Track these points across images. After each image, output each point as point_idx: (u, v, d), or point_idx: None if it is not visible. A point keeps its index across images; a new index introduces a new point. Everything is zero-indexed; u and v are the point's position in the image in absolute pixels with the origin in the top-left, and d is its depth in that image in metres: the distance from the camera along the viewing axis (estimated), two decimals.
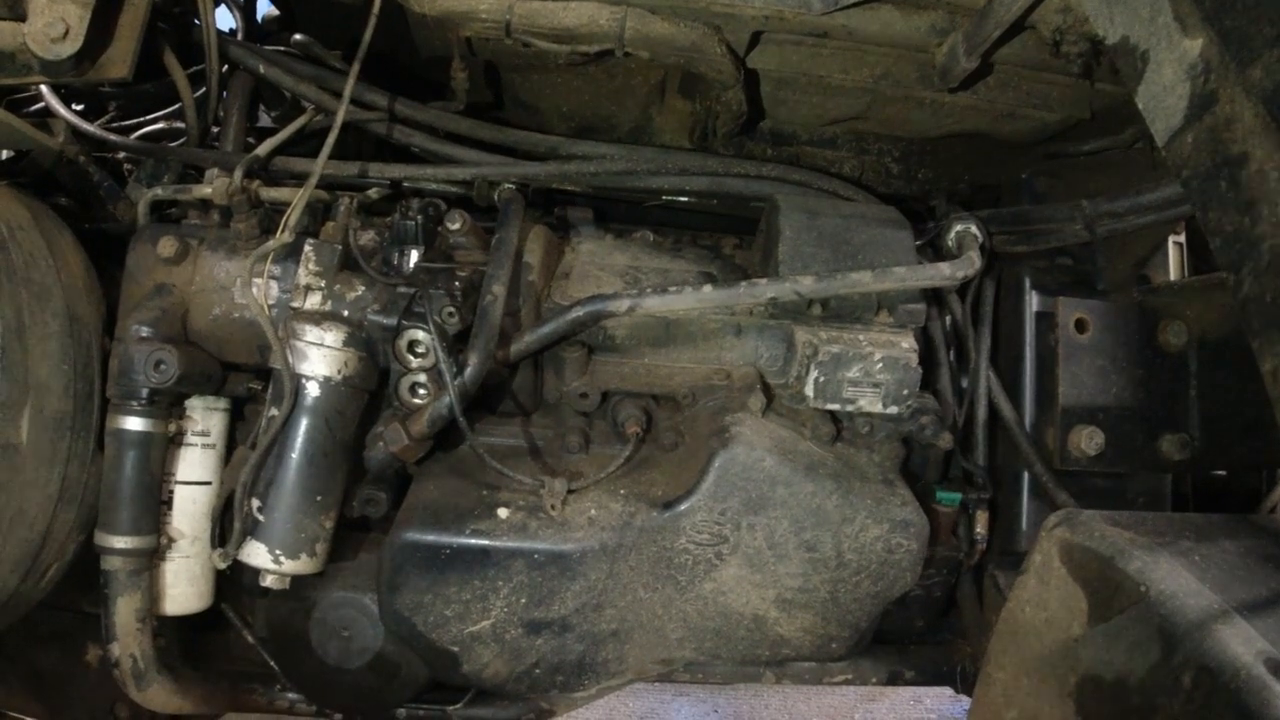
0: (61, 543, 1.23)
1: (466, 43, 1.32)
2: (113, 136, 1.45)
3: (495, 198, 1.42)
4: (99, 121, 1.61)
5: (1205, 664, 0.82)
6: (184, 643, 1.47)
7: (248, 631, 1.43)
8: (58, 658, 1.57)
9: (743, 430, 1.20)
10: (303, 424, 1.15)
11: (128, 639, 1.23)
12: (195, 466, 1.28)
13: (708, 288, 1.22)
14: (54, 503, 1.19)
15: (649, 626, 1.24)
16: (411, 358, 1.20)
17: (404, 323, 1.17)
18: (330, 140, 1.23)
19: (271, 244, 1.16)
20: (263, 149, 1.34)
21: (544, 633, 1.19)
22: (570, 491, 1.17)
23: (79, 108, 1.68)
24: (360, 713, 1.41)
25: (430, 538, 1.14)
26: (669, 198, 1.55)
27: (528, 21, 1.24)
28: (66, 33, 1.17)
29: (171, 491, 1.26)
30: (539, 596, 1.16)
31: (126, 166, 1.54)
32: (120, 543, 1.20)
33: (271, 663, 1.38)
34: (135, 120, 1.67)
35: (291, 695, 1.42)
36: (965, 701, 1.45)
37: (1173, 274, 1.75)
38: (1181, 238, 1.75)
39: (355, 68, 1.26)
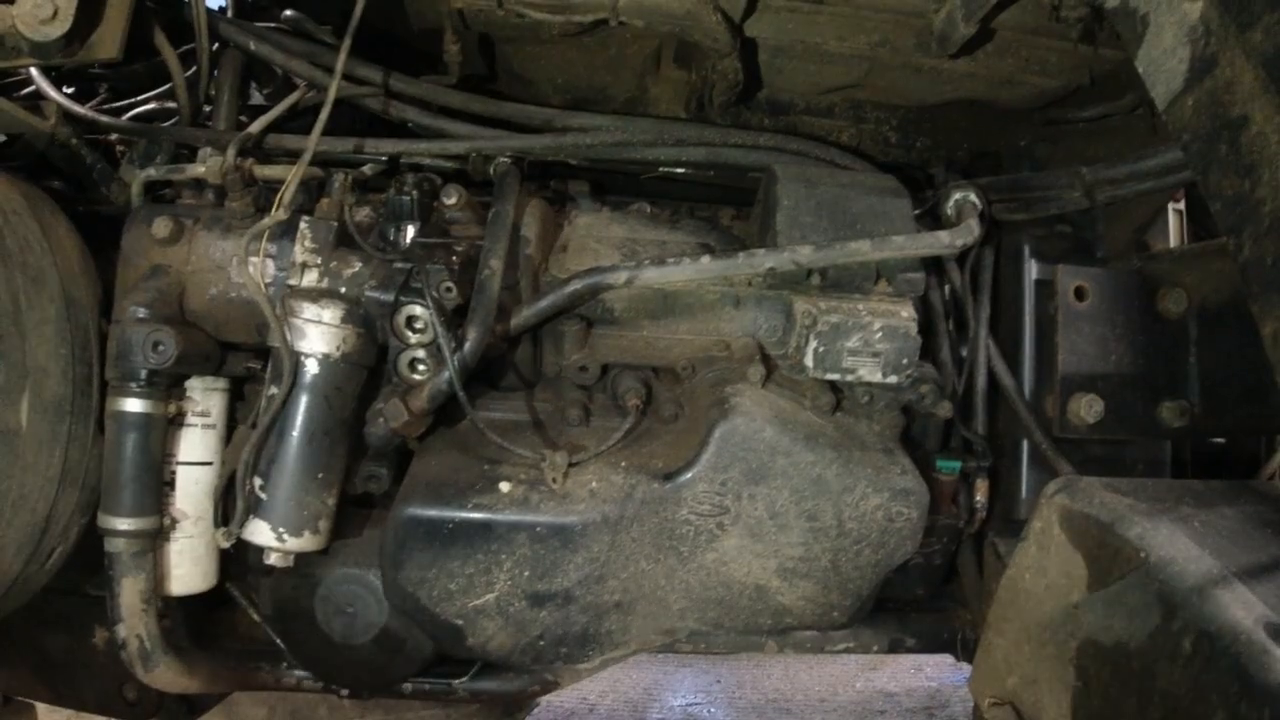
0: (64, 526, 1.24)
1: (459, 14, 1.30)
2: (104, 118, 1.43)
3: (491, 171, 1.41)
4: (90, 103, 1.59)
5: (1205, 629, 0.83)
6: (190, 623, 1.48)
7: (253, 610, 1.43)
8: (65, 641, 1.58)
9: (742, 401, 1.20)
10: (302, 402, 1.15)
11: (133, 620, 1.23)
12: (196, 447, 1.28)
13: (706, 258, 1.22)
14: (55, 486, 1.19)
15: (652, 597, 1.24)
16: (410, 333, 1.19)
17: (402, 298, 1.17)
18: (323, 116, 1.22)
19: (266, 221, 1.16)
20: (255, 126, 1.33)
21: (547, 605, 1.19)
22: (571, 464, 1.17)
23: (70, 90, 1.66)
24: (366, 688, 1.42)
25: (433, 512, 1.14)
26: (666, 169, 1.54)
27: None
28: (55, 14, 1.15)
29: (173, 472, 1.27)
30: (542, 569, 1.17)
31: (119, 148, 1.53)
32: (123, 524, 1.20)
33: (278, 640, 1.39)
34: (127, 101, 1.66)
35: (298, 672, 1.43)
36: (966, 669, 1.46)
37: (1172, 241, 1.74)
38: (1181, 204, 1.74)
39: (346, 42, 1.25)
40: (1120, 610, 0.97)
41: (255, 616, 1.44)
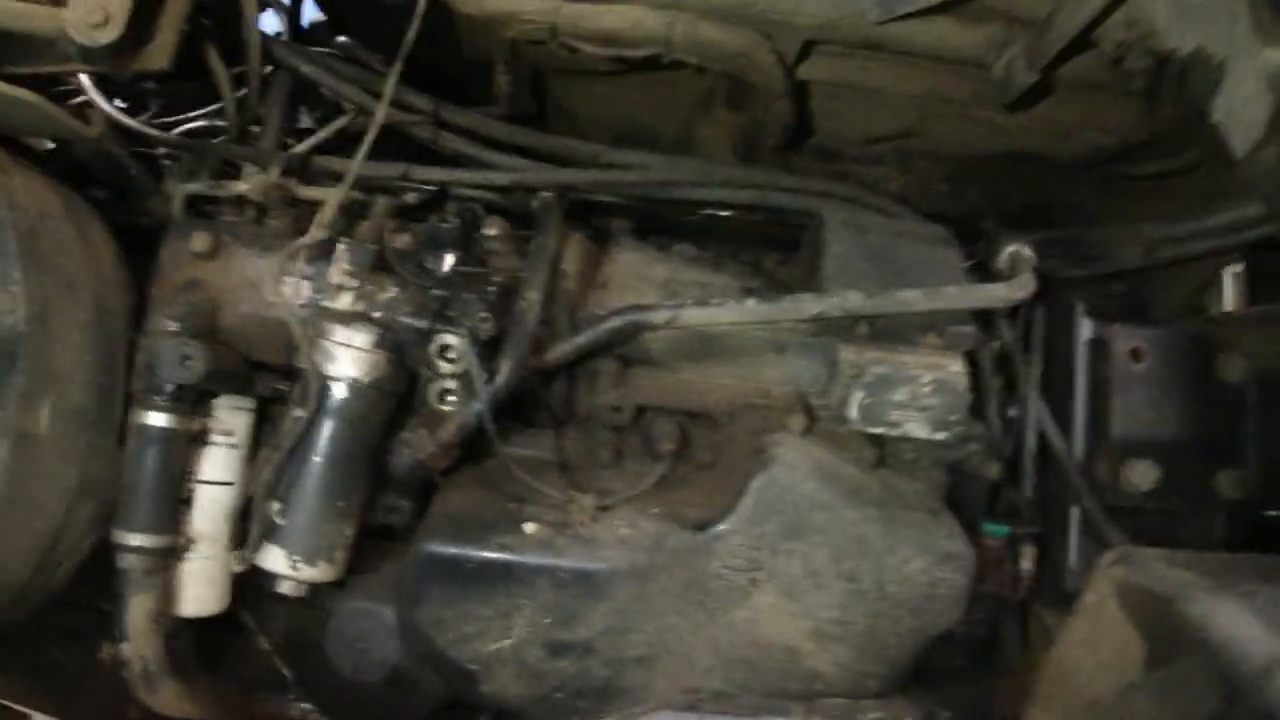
0: (78, 538, 1.21)
1: (511, 46, 1.30)
2: (152, 131, 1.44)
3: (533, 205, 1.40)
4: (140, 117, 1.61)
5: (1271, 714, 0.78)
6: (198, 646, 1.44)
7: (263, 638, 1.39)
8: (71, 655, 1.54)
9: (783, 451, 1.15)
10: (328, 426, 1.12)
11: (139, 639, 1.20)
12: (218, 466, 1.25)
13: (750, 301, 1.18)
14: (71, 496, 1.16)
15: (677, 653, 1.18)
16: (442, 363, 1.16)
17: (436, 326, 1.15)
18: (368, 140, 1.21)
19: (304, 240, 1.14)
20: (301, 146, 1.33)
21: (568, 655, 1.14)
22: (600, 508, 1.13)
23: (119, 104, 1.68)
24: None
25: (453, 550, 1.10)
26: (710, 210, 1.52)
27: (573, 23, 1.22)
28: (106, 20, 1.16)
29: (192, 491, 1.23)
30: (564, 617, 1.12)
31: (163, 162, 1.54)
32: (137, 540, 1.17)
33: (285, 671, 1.35)
34: (174, 117, 1.67)
35: (305, 705, 1.39)
36: None
37: (1226, 304, 1.69)
38: (1239, 267, 1.69)
39: (396, 67, 1.24)
40: (1178, 693, 0.93)
41: (264, 645, 1.40)
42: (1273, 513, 1.62)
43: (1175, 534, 1.42)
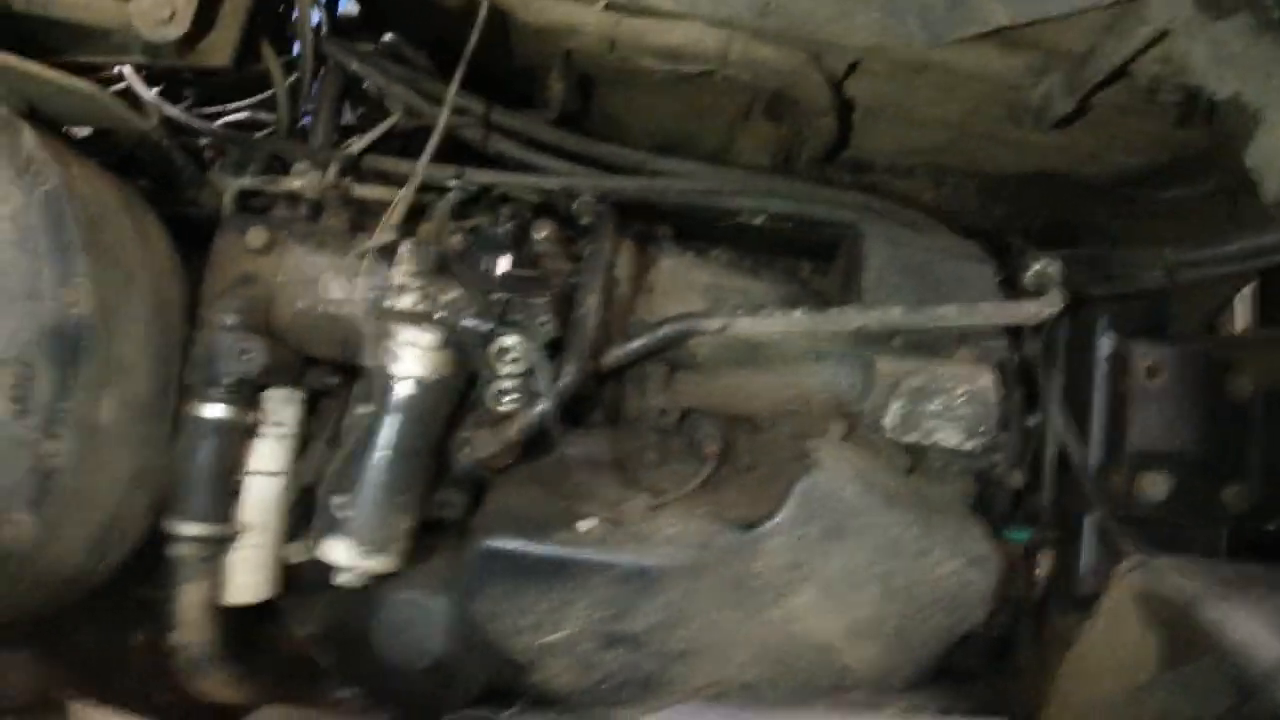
0: (128, 527, 1.22)
1: (566, 55, 1.33)
2: (202, 124, 1.45)
3: (574, 208, 1.42)
4: (180, 106, 1.61)
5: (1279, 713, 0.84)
6: (237, 632, 1.46)
7: (301, 626, 1.41)
8: (104, 642, 1.55)
9: (825, 456, 1.20)
10: (393, 423, 1.15)
11: (189, 627, 1.22)
12: (268, 457, 1.27)
13: (798, 312, 1.23)
14: (127, 486, 1.18)
15: (716, 648, 1.23)
16: (502, 364, 1.19)
17: (499, 328, 1.18)
18: (433, 143, 1.24)
19: (375, 240, 1.17)
20: (357, 146, 1.35)
21: (618, 648, 1.18)
22: (653, 507, 1.17)
23: (157, 91, 1.68)
24: (411, 716, 1.40)
25: (512, 545, 1.14)
26: (744, 220, 1.55)
27: (633, 38, 1.25)
28: (173, 15, 1.17)
29: (242, 481, 1.25)
30: (616, 611, 1.16)
31: (207, 154, 1.54)
32: (191, 529, 1.19)
33: (326, 660, 1.37)
34: (217, 108, 1.67)
35: (340, 693, 1.41)
36: None
37: (1239, 325, 1.75)
38: (1250, 290, 1.75)
39: (459, 71, 1.26)
40: (1191, 692, 0.98)
41: (302, 633, 1.42)
42: (1275, 526, 1.70)
43: (1183, 544, 1.48)
